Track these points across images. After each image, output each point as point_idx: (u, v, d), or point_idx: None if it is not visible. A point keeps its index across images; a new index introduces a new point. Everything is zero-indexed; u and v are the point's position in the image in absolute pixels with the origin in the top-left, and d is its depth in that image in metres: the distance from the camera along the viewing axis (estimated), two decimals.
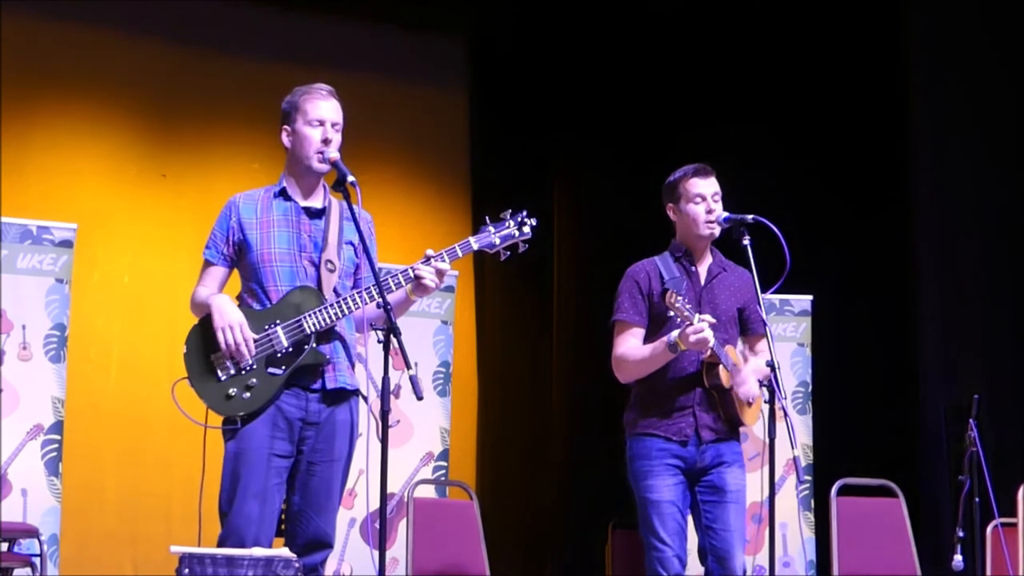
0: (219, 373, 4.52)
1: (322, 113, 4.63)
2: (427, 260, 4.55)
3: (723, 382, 5.05)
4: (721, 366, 5.03)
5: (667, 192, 5.23)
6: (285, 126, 4.67)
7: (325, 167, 4.62)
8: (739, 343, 5.26)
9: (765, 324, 5.06)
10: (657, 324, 5.09)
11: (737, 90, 8.52)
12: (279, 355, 4.52)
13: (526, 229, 4.68)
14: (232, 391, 4.50)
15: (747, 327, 5.25)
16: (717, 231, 5.16)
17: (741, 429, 5.23)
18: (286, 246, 4.61)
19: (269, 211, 4.66)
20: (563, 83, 8.79)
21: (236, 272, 4.74)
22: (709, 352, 4.98)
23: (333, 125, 4.64)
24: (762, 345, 5.23)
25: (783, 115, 8.48)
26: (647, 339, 5.12)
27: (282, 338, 4.52)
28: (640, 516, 5.08)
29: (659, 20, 8.57)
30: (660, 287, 5.03)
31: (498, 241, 4.66)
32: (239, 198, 4.71)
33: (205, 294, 4.64)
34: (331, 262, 4.62)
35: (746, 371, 5.09)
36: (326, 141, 4.61)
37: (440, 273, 4.56)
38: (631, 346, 5.12)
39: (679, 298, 4.86)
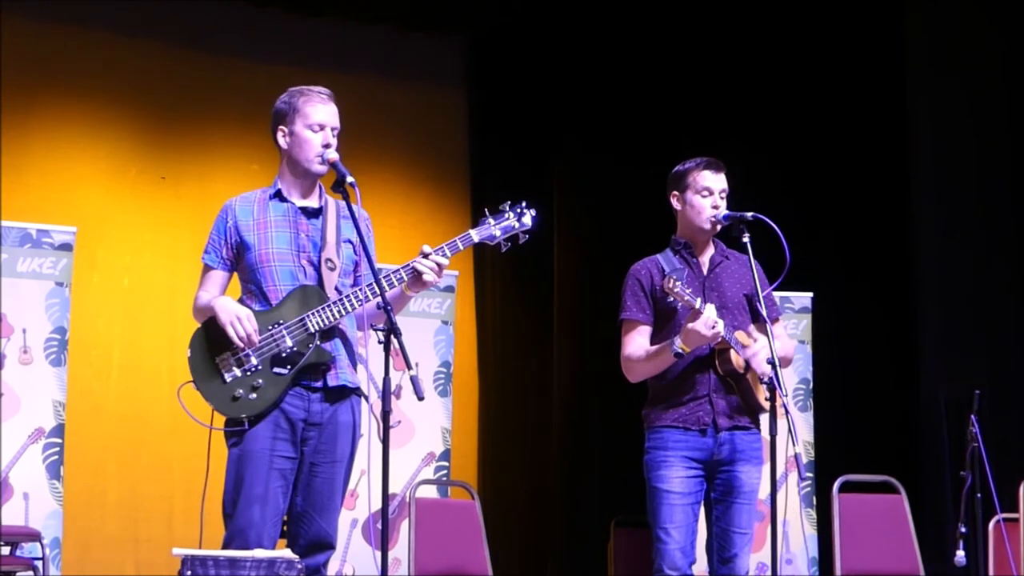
0: (224, 375, 4.50)
1: (322, 117, 4.62)
2: (424, 256, 4.54)
3: (736, 367, 4.99)
4: (732, 351, 4.98)
5: (673, 181, 5.17)
6: (281, 127, 4.64)
7: (324, 168, 4.62)
8: (752, 330, 5.18)
9: (775, 307, 5.07)
10: (663, 319, 5.05)
11: (737, 87, 8.52)
12: (284, 355, 4.51)
13: (526, 219, 4.66)
14: (238, 392, 4.48)
15: (758, 315, 5.14)
16: (718, 227, 5.13)
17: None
18: (285, 246, 4.60)
19: (266, 212, 4.65)
20: (562, 82, 8.79)
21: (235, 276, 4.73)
22: (719, 338, 4.93)
23: (332, 129, 4.64)
24: (776, 330, 5.15)
25: (783, 113, 8.48)
26: (655, 334, 5.09)
27: (286, 338, 4.51)
28: (648, 506, 5.04)
29: (659, 16, 8.57)
30: (661, 280, 4.98)
31: (499, 233, 4.64)
32: (234, 201, 4.70)
33: (207, 299, 4.61)
34: (331, 260, 4.61)
35: (757, 346, 5.01)
36: (327, 146, 4.61)
37: (439, 266, 4.55)
38: (638, 345, 5.08)
39: (678, 283, 4.81)
